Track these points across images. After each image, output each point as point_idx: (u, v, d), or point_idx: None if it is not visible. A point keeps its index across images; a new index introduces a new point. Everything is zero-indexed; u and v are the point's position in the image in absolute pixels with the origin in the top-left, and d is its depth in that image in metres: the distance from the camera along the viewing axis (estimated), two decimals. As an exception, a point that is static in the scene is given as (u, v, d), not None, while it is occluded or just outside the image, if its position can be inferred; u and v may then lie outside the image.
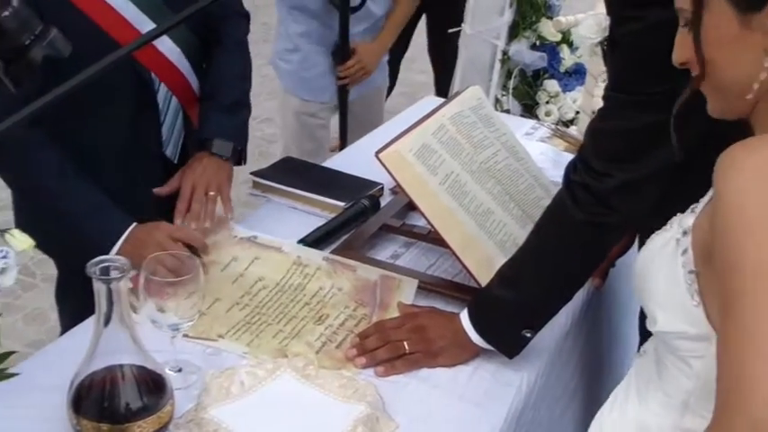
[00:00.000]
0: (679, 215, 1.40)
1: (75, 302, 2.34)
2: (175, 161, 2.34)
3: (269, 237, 2.18)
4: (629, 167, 1.67)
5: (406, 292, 2.01)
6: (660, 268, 1.37)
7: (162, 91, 2.22)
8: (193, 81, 2.29)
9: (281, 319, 1.92)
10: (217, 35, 2.33)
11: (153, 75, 2.19)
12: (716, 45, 1.26)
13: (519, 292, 1.80)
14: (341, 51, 3.49)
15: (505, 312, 1.81)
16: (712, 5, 1.24)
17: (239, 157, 2.32)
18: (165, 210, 2.19)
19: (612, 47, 1.70)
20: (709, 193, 1.31)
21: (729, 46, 1.25)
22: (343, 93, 3.58)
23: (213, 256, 2.09)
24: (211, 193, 2.18)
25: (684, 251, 1.32)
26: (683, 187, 1.44)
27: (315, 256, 2.12)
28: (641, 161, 1.65)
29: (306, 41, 3.53)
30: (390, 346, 1.82)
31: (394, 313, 1.94)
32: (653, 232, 1.45)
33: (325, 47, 3.54)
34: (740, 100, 1.28)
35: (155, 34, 1.77)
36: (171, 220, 2.14)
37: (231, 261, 2.09)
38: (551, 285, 1.81)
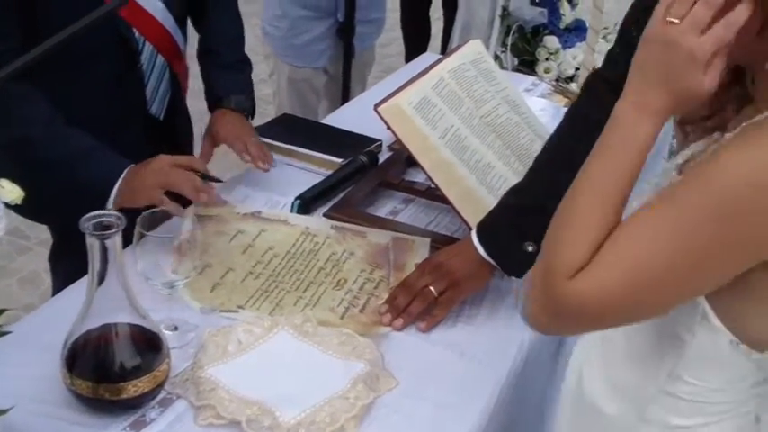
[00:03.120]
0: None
1: (68, 266, 2.30)
2: (161, 118, 2.32)
3: (273, 210, 2.14)
4: None
5: (420, 252, 1.98)
6: None
7: (147, 50, 2.17)
8: (178, 36, 2.25)
9: (299, 286, 1.89)
10: None
11: (137, 34, 2.13)
12: None
13: (522, 198, 1.81)
14: (346, 29, 3.46)
15: (507, 220, 1.80)
16: None
17: (251, 112, 2.35)
18: None
19: None
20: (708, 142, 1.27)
21: None
22: (348, 52, 3.53)
23: (218, 227, 2.05)
24: (253, 139, 2.21)
25: None
26: None
27: (323, 225, 2.09)
28: None
29: (295, 6, 3.44)
30: (420, 297, 1.80)
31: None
32: None
33: (316, 12, 3.45)
34: None
35: None
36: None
37: (237, 233, 2.04)
38: (553, 190, 1.76)
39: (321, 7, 3.44)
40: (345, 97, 3.53)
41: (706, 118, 1.32)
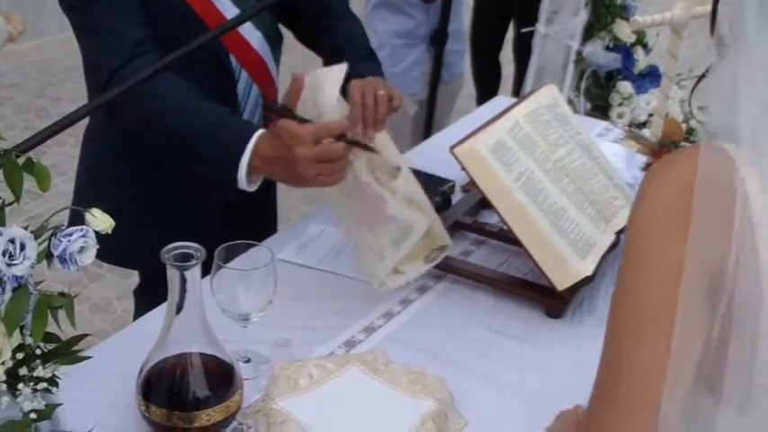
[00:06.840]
0: None
1: (152, 302, 2.32)
2: None
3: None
4: None
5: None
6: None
7: (243, 79, 2.17)
8: (273, 69, 2.24)
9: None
10: (323, 7, 2.28)
11: (234, 62, 2.13)
12: None
13: None
14: (440, 35, 3.61)
15: None
16: None
17: None
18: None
19: None
20: None
21: None
22: (434, 81, 3.65)
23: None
24: (381, 93, 1.99)
25: None
26: None
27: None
28: None
29: (393, 37, 3.61)
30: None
31: None
32: None
33: (411, 39, 3.63)
34: None
35: (243, 18, 1.75)
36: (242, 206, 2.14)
37: None
38: None
39: (415, 34, 3.62)
40: (429, 131, 3.61)
41: None
